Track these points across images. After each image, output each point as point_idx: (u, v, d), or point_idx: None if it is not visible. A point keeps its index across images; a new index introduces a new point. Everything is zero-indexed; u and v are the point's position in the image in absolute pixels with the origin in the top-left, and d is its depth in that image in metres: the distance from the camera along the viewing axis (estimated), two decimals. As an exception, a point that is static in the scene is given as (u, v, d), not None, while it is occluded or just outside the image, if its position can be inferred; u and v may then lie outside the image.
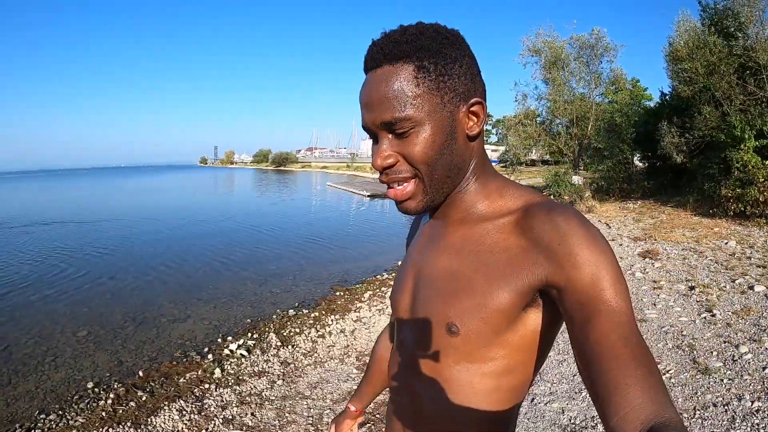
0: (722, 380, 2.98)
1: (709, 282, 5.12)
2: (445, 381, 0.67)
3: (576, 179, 14.80)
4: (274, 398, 3.39)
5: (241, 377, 3.78)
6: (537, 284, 0.59)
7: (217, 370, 3.89)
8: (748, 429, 2.45)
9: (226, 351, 4.42)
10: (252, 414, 3.14)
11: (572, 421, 2.72)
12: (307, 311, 5.67)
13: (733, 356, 3.30)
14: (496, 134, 39.53)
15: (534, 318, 0.63)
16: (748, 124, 8.99)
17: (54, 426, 3.28)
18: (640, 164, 14.95)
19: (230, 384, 3.65)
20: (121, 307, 6.14)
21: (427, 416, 0.71)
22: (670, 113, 11.71)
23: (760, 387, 2.85)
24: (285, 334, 4.82)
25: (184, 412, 3.20)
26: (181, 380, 3.79)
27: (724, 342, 3.55)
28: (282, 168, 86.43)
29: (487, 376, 0.65)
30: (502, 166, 25.60)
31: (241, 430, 2.95)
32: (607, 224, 9.50)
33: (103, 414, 3.32)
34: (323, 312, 5.54)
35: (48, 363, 4.43)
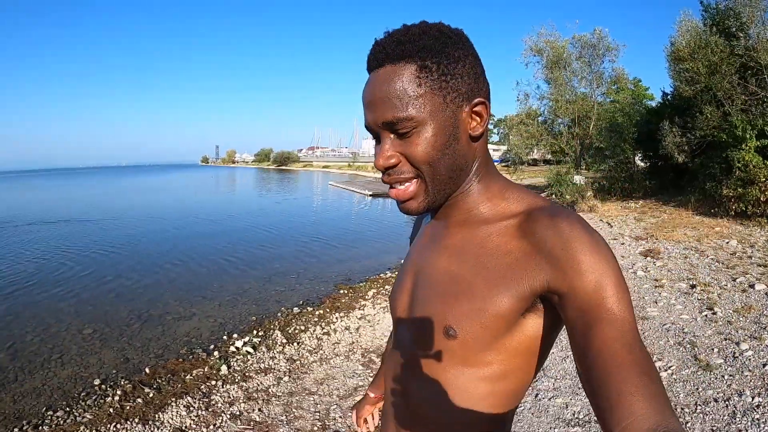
0: (723, 376, 3.03)
1: (710, 280, 5.15)
2: (439, 383, 0.66)
3: (578, 179, 14.83)
4: (280, 394, 3.42)
5: (247, 374, 3.81)
6: (538, 289, 0.58)
7: (224, 367, 3.93)
8: (749, 424, 2.49)
9: (232, 348, 4.45)
10: (259, 410, 3.18)
11: (575, 416, 2.76)
12: (311, 309, 5.71)
13: (734, 353, 3.34)
14: (498, 134, 39.60)
15: (533, 323, 0.62)
16: (749, 123, 9.01)
17: (62, 422, 3.30)
18: (642, 164, 14.98)
19: (237, 380, 3.68)
20: (127, 305, 6.17)
21: (421, 417, 0.71)
22: (672, 113, 11.74)
23: (760, 383, 2.89)
24: (290, 331, 4.86)
25: (191, 408, 3.23)
26: (188, 377, 3.83)
27: (725, 339, 3.59)
28: (283, 167, 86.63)
29: (482, 380, 0.64)
30: (504, 166, 25.64)
31: (249, 425, 2.98)
32: (609, 223, 9.53)
33: (111, 410, 3.35)
34: (328, 310, 5.58)
35: (54, 360, 4.46)
